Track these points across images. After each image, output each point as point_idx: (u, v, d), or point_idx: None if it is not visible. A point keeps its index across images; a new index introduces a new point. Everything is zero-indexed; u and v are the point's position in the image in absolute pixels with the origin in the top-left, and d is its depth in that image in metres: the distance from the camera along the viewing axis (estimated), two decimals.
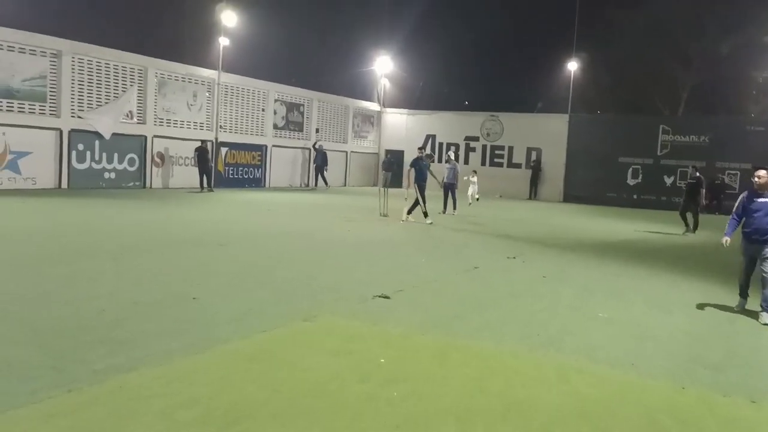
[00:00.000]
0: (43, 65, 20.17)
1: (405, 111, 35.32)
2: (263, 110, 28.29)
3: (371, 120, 35.11)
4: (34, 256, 8.90)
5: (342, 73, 36.09)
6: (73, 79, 20.91)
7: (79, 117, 21.09)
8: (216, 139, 25.43)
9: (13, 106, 19.37)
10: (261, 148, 28.08)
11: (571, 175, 30.27)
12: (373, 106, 35.13)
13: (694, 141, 27.82)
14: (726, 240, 7.97)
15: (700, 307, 8.00)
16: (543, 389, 4.74)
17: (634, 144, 28.74)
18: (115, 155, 22.22)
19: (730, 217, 8.00)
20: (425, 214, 15.98)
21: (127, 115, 22.64)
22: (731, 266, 9.36)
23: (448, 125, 33.55)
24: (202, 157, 22.96)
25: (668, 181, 28.07)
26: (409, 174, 16.59)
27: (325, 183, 28.78)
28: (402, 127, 34.77)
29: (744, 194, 7.82)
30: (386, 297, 7.49)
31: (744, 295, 7.91)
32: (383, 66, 34.99)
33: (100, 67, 21.80)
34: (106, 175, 21.99)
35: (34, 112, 19.91)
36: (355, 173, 33.82)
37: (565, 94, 32.73)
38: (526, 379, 4.96)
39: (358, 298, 7.41)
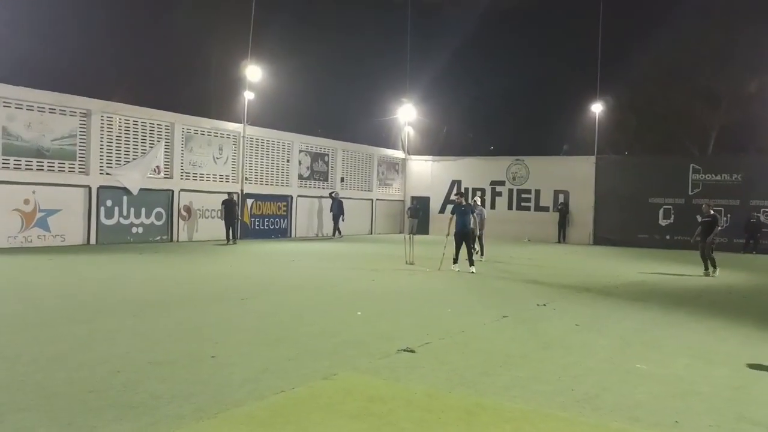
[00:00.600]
0: (72, 124, 20.61)
1: (430, 158, 35.33)
2: (288, 161, 28.48)
3: (396, 167, 35.15)
4: (55, 314, 8.80)
5: (365, 122, 36.44)
6: (101, 137, 21.30)
7: (108, 174, 21.39)
8: (242, 190, 25.58)
9: (43, 165, 19.74)
10: (286, 199, 28.18)
11: (600, 218, 29.74)
12: (397, 154, 35.22)
13: (726, 180, 27.20)
14: None
15: (744, 356, 7.53)
16: None
17: (665, 184, 28.20)
18: (143, 210, 22.42)
19: None
20: (455, 260, 15.60)
21: (155, 170, 22.93)
22: None
23: (474, 170, 33.40)
24: (229, 209, 23.06)
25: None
26: (450, 222, 15.98)
27: (339, 232, 28.57)
28: (427, 174, 34.71)
29: None
30: (411, 351, 7.18)
31: None
32: (406, 114, 35.20)
33: (128, 125, 22.21)
34: (134, 229, 22.15)
35: (63, 170, 20.25)
36: (381, 221, 33.70)
37: (591, 136, 32.47)
38: None
39: (382, 352, 7.12)
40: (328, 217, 29.29)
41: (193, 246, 21.92)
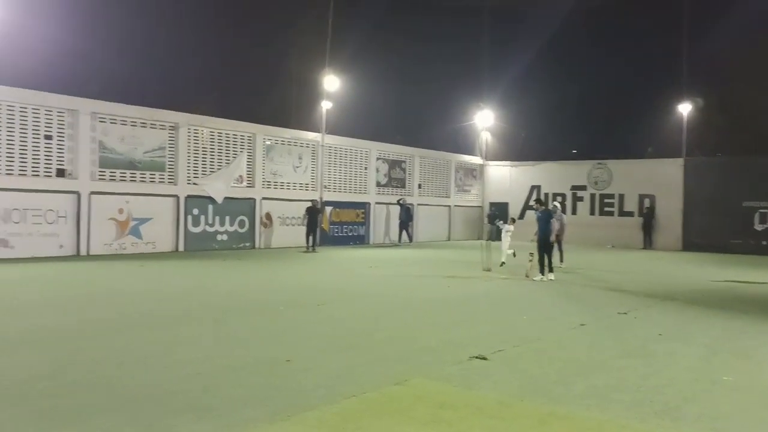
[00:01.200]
0: (162, 137, 21.64)
1: (508, 163, 34.86)
2: (366, 169, 28.82)
3: (474, 173, 34.89)
4: (143, 319, 9.26)
5: (443, 128, 36.31)
6: (188, 149, 22.26)
7: (194, 183, 22.31)
8: (321, 198, 26.07)
9: (135, 176, 20.81)
10: (364, 206, 28.49)
11: (690, 222, 28.42)
12: (475, 160, 34.95)
13: None
14: None
15: None
16: None
17: (761, 186, 26.65)
18: (227, 218, 23.24)
19: None
20: (541, 270, 15.09)
21: (238, 180, 23.74)
22: None
23: (553, 175, 32.70)
24: (312, 215, 23.52)
25: None
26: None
27: (409, 238, 28.56)
28: (506, 179, 34.27)
29: None
30: (483, 358, 7.11)
31: None
32: (484, 119, 34.88)
33: (212, 136, 23.11)
34: (219, 237, 22.98)
35: (154, 181, 21.29)
36: (459, 227, 33.50)
37: (678, 137, 31.12)
38: None
39: (454, 359, 7.09)
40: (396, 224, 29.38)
41: (275, 253, 22.51)
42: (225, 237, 23.16)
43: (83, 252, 19.15)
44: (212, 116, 23.37)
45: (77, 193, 19.25)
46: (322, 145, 26.52)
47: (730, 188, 27.17)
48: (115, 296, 11.62)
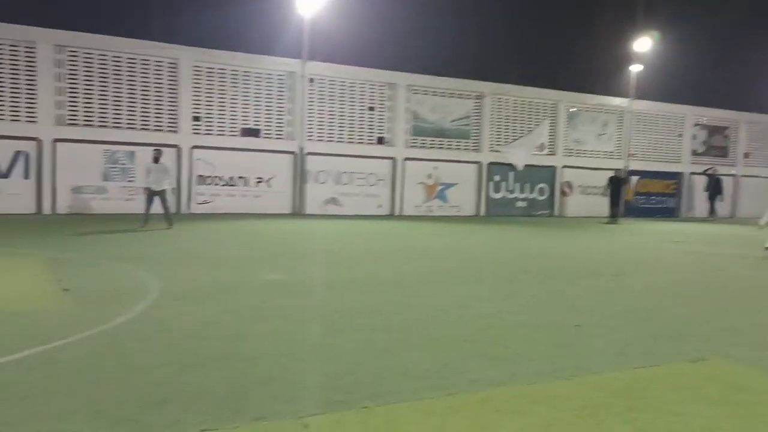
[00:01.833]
0: (467, 106, 22.76)
1: None
2: (679, 136, 26.57)
3: None
4: (444, 275, 10.15)
5: None
6: (492, 117, 23.05)
7: (497, 151, 23.09)
8: (626, 167, 24.86)
9: (443, 144, 22.32)
10: (676, 176, 26.38)
11: None
12: None
13: None
14: None
15: None
16: None
17: None
18: (527, 185, 23.62)
19: None
20: None
21: (539, 147, 23.87)
22: None
23: None
24: (615, 186, 22.67)
25: None
26: None
27: (714, 213, 25.37)
28: None
29: None
30: None
31: None
32: None
33: (516, 105, 23.54)
34: (518, 203, 23.52)
35: (459, 148, 22.58)
36: None
37: None
38: None
39: (764, 344, 6.46)
40: (702, 197, 26.46)
41: (573, 222, 22.25)
42: (524, 204, 23.60)
43: (397, 212, 21.32)
44: (516, 85, 23.78)
45: (393, 159, 21.41)
46: (630, 111, 25.13)
47: None
48: (424, 253, 12.84)
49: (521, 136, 23.64)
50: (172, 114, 18.46)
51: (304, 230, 16.32)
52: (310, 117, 20.28)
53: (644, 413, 4.51)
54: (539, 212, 23.74)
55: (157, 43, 18.51)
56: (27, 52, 16.76)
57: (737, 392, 4.97)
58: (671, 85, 28.22)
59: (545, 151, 23.95)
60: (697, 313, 7.90)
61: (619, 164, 24.51)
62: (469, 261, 12.02)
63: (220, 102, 19.10)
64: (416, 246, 13.99)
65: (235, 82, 19.34)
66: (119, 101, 17.87)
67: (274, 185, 19.92)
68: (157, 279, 8.76)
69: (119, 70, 17.86)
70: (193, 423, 4.12)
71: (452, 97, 22.49)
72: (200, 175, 18.91)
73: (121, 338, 5.94)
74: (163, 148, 15.79)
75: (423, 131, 22.01)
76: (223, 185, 19.27)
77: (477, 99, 22.92)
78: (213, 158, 19.03)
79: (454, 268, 10.94)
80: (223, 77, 19.10)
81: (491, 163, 22.93)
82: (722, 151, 27.77)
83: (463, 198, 22.59)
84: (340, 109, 20.74)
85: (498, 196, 23.20)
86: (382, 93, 21.34)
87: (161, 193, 14.97)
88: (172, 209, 17.64)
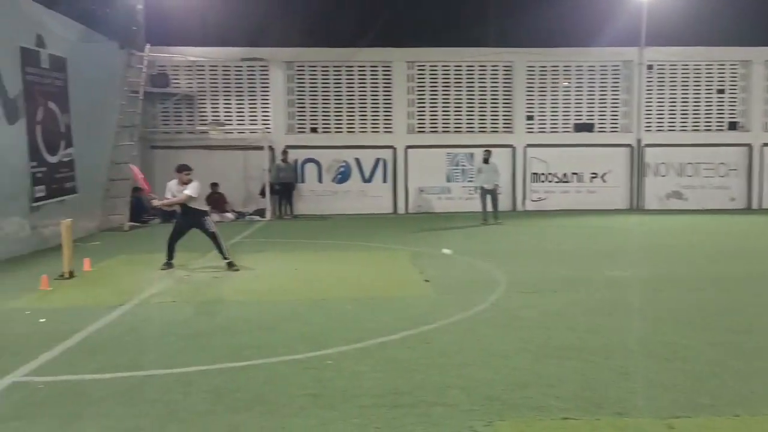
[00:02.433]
0: None
1: None
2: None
3: None
4: None
5: None
6: None
7: None
8: None
9: None
10: None
11: None
12: None
13: None
14: None
15: None
16: None
17: None
18: None
19: None
20: None
21: None
22: None
23: None
24: None
25: None
26: None
27: None
28: None
29: None
30: None
31: None
32: None
33: None
34: None
35: None
36: None
37: None
38: None
39: None
40: None
41: None
42: None
43: (755, 206, 18.90)
44: None
45: (749, 146, 19.02)
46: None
47: None
48: None
49: None
50: (506, 115, 19.20)
51: (644, 226, 15.54)
52: (648, 107, 19.15)
53: None
54: None
55: (493, 48, 19.41)
56: (384, 70, 19.12)
57: None
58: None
59: None
60: None
61: None
62: None
63: (552, 99, 19.22)
64: None
65: (568, 78, 19.26)
66: (459, 107, 19.24)
67: (610, 180, 19.31)
68: (502, 272, 9.30)
69: (460, 78, 19.22)
70: (557, 409, 4.36)
71: None
72: (534, 173, 19.31)
73: (480, 325, 6.51)
74: (495, 149, 16.54)
75: None
76: (557, 182, 19.37)
77: None
78: (546, 155, 19.26)
79: None
80: (556, 74, 19.18)
81: None
82: None
83: None
84: (683, 96, 19.13)
85: None
86: (733, 73, 19.09)
87: (492, 191, 15.80)
88: (508, 207, 18.40)
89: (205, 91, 18.40)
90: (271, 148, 18.09)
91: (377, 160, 19.07)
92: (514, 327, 6.41)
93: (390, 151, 19.03)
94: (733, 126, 19.19)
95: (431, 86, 19.19)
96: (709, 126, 19.29)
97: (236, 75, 18.51)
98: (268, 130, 18.27)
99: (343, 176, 18.96)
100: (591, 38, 18.80)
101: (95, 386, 4.91)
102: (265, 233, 14.56)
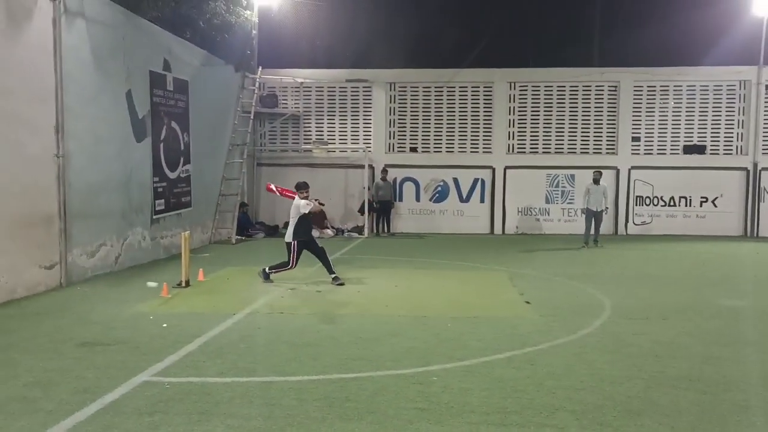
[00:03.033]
0: None
1: None
2: None
3: None
4: None
5: None
6: None
7: None
8: None
9: None
10: None
11: None
12: None
13: None
14: None
15: None
16: None
17: None
18: None
19: None
20: None
21: None
22: None
23: None
24: None
25: None
26: None
27: None
28: None
29: None
30: None
31: None
32: None
33: None
34: None
35: None
36: None
37: None
38: None
39: None
40: None
41: None
42: None
43: None
44: None
45: None
46: None
47: None
48: None
49: None
50: (610, 136, 18.70)
51: (759, 254, 14.67)
52: (766, 128, 18.11)
53: None
54: None
55: (597, 68, 19.03)
56: (485, 91, 19.13)
57: None
58: None
59: None
60: None
61: None
62: None
63: (661, 120, 18.57)
64: None
65: (678, 98, 18.54)
66: (561, 127, 18.92)
67: (721, 205, 18.36)
68: (606, 296, 9.09)
69: (562, 99, 18.92)
70: None
71: None
72: (639, 196, 18.67)
73: (587, 349, 6.41)
74: (602, 170, 16.16)
75: None
76: (663, 206, 18.65)
77: None
78: (652, 178, 18.59)
79: None
80: (665, 94, 18.52)
81: None
82: None
83: None
84: None
85: None
86: None
87: (599, 213, 15.39)
88: (609, 230, 17.88)
89: (310, 111, 19.12)
90: (371, 167, 18.51)
91: (475, 180, 19.06)
92: (624, 353, 6.27)
93: (489, 171, 18.98)
94: None
95: (533, 107, 19.03)
96: None
97: (340, 95, 19.12)
98: (369, 149, 18.70)
99: (440, 195, 19.09)
100: (704, 56, 18.09)
101: (218, 388, 5.24)
102: (364, 250, 14.87)
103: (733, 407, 4.82)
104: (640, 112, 18.70)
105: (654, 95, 18.67)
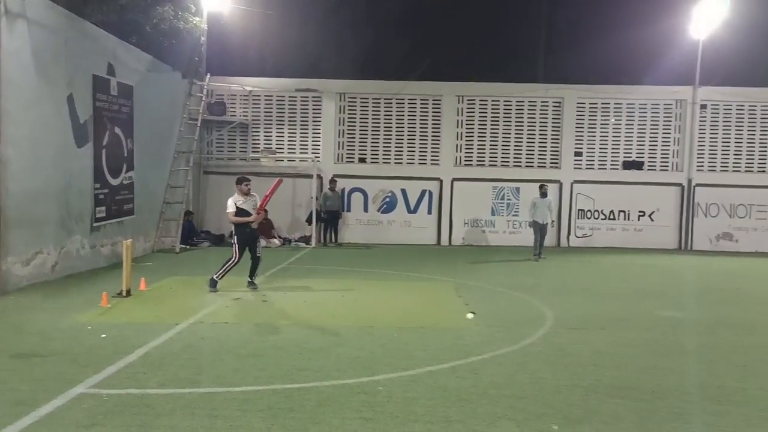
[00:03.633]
0: None
1: None
2: None
3: None
4: None
5: None
6: None
7: None
8: None
9: None
10: None
11: None
12: None
13: None
14: None
15: None
16: None
17: None
18: None
19: None
20: None
21: None
22: None
23: None
24: None
25: None
26: None
27: None
28: None
29: None
30: None
31: None
32: None
33: None
34: None
35: None
36: None
37: None
38: None
39: None
40: None
41: None
42: None
43: None
44: None
45: None
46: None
47: None
48: None
49: None
50: (554, 150, 19.19)
51: (693, 267, 15.26)
52: (701, 146, 18.92)
53: None
54: None
55: (543, 84, 19.52)
56: (434, 104, 19.38)
57: None
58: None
59: None
60: None
61: None
62: None
63: (602, 136, 19.16)
64: None
65: (619, 115, 19.18)
66: (507, 141, 19.32)
67: (658, 219, 19.04)
68: (548, 307, 9.29)
69: (508, 113, 19.33)
70: None
71: None
72: (581, 209, 19.19)
73: (529, 359, 6.54)
74: (546, 183, 16.58)
75: None
76: (603, 219, 19.21)
77: None
78: (593, 192, 19.14)
79: None
80: (606, 111, 19.12)
81: None
82: None
83: None
84: (737, 136, 18.84)
85: None
86: None
87: (544, 226, 15.78)
88: (552, 242, 18.30)
89: (259, 120, 18.96)
90: (319, 177, 18.46)
91: (423, 192, 19.24)
92: (565, 363, 6.42)
93: (436, 183, 19.18)
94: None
95: (480, 120, 19.35)
96: (764, 167, 18.93)
97: (290, 105, 19.02)
98: (318, 159, 18.65)
99: (388, 206, 19.18)
100: (644, 76, 18.76)
101: (159, 400, 5.12)
102: (311, 260, 14.80)
103: (669, 415, 5.00)
104: (582, 128, 19.23)
105: (596, 112, 19.25)
